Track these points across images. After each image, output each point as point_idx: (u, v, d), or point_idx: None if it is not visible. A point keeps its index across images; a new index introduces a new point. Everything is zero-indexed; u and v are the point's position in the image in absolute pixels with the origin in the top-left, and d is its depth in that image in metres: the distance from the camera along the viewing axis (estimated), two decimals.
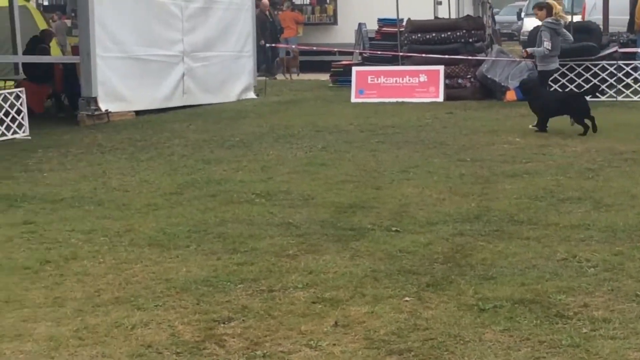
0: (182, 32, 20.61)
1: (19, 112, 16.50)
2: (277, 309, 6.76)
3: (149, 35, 19.68)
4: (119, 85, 18.92)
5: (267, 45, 29.03)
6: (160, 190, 11.36)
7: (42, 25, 23.78)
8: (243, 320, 6.55)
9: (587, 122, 15.54)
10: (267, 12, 30.90)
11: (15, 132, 16.29)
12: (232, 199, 10.73)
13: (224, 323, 6.50)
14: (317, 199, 10.64)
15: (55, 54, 22.35)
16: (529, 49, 18.11)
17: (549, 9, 17.86)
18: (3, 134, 16.03)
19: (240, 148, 14.76)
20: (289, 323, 6.46)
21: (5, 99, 16.42)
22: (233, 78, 22.35)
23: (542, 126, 16.01)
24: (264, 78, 24.98)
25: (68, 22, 33.53)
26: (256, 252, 8.35)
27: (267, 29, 30.35)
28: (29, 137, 16.34)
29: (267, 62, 30.28)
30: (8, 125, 16.18)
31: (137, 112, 19.19)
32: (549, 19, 17.66)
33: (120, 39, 19.02)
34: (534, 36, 18.69)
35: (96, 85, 18.18)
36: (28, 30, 22.72)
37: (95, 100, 18.26)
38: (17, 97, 16.61)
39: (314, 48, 29.84)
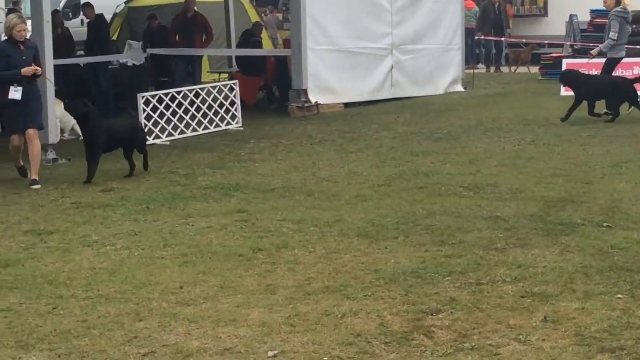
0: (391, 25, 20.71)
1: (232, 103, 17.01)
2: (485, 302, 6.74)
3: (358, 28, 19.88)
4: (328, 78, 19.20)
5: (482, 37, 28.69)
6: (368, 182, 11.49)
7: (254, 18, 24.37)
8: (451, 312, 6.57)
9: None
10: (496, 4, 30.15)
11: (228, 123, 16.79)
12: (439, 191, 10.75)
13: (432, 314, 6.54)
14: (525, 193, 10.52)
15: (267, 47, 22.85)
16: (593, 51, 17.82)
17: None
18: (217, 125, 16.55)
19: (448, 140, 14.75)
20: (497, 316, 6.44)
21: (219, 91, 16.96)
22: (441, 71, 22.29)
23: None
24: (471, 71, 24.80)
25: (279, 16, 34.21)
26: (464, 245, 8.34)
27: (490, 20, 29.87)
28: (242, 128, 16.81)
29: (487, 54, 29.95)
30: (222, 116, 16.70)
31: (346, 104, 19.42)
32: (618, 8, 17.14)
33: (331, 32, 19.31)
34: None
35: (306, 78, 18.52)
36: (241, 23, 23.34)
37: (305, 92, 18.62)
38: (231, 89, 17.13)
39: (523, 40, 29.39)
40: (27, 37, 12.38)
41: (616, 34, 16.95)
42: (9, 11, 22.52)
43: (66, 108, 12.95)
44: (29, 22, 17.08)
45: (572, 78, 16.96)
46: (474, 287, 7.12)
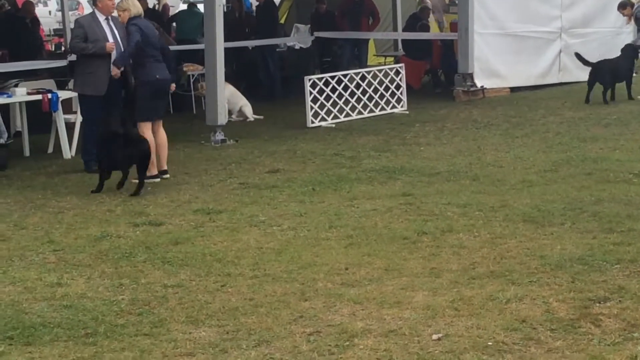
0: (561, 8, 20.28)
1: (398, 87, 17.02)
2: None
3: (526, 12, 19.55)
4: (495, 62, 18.97)
5: None
6: (534, 167, 11.34)
7: (421, 2, 24.28)
8: (619, 300, 6.45)
9: None
10: None
11: (394, 107, 16.82)
12: (608, 178, 10.53)
13: (599, 302, 6.43)
14: None
15: (433, 31, 22.72)
16: None
17: None
18: (382, 109, 16.60)
19: (618, 126, 14.39)
20: None
21: (385, 75, 16.99)
22: (612, 55, 21.72)
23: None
24: None
25: (446, 0, 33.98)
26: (633, 233, 8.16)
27: None
28: (407, 112, 16.81)
29: None
30: (388, 99, 16.74)
31: (512, 89, 19.17)
32: None
33: (498, 16, 19.07)
34: None
35: (473, 62, 18.35)
36: (408, 7, 23.29)
37: (471, 76, 18.44)
38: (397, 73, 17.14)
39: None
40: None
41: None
42: None
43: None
44: (201, 6, 17.52)
45: None
46: None
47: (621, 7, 17.85)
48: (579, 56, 17.80)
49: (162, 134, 11.52)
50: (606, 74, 17.10)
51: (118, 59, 11.62)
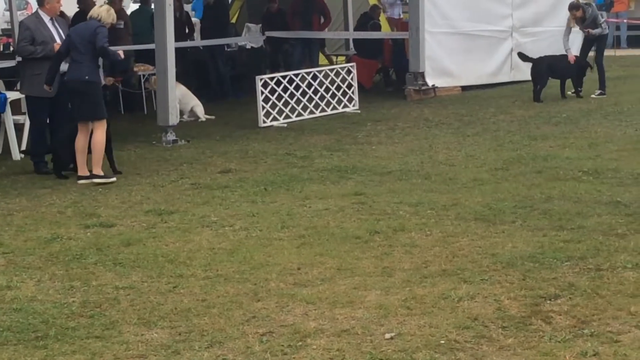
0: (512, 7, 20.43)
1: (349, 86, 17.04)
2: (605, 288, 6.65)
3: (477, 11, 19.67)
4: (446, 61, 19.06)
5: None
6: (485, 166, 11.41)
7: (372, 1, 24.33)
8: (570, 297, 6.51)
9: None
10: None
11: (345, 106, 16.84)
12: (558, 176, 10.61)
13: (550, 300, 6.48)
14: None
15: (385, 30, 22.76)
16: None
17: None
18: (334, 108, 16.61)
19: (567, 124, 14.52)
20: (618, 303, 6.35)
21: (337, 74, 17.01)
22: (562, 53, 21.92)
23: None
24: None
25: None
26: (583, 230, 8.23)
27: None
28: (359, 111, 16.83)
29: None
30: (339, 99, 16.76)
31: (463, 88, 19.27)
32: None
33: (449, 15, 19.16)
34: None
35: (424, 61, 18.41)
36: (359, 6, 23.31)
37: (422, 75, 18.50)
38: (349, 72, 17.16)
39: None
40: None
41: None
42: None
43: None
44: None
45: None
46: (593, 273, 7.03)
47: (574, 8, 17.98)
48: (521, 55, 18.01)
49: (96, 136, 11.27)
50: (546, 69, 17.31)
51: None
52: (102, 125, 11.29)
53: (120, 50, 12.00)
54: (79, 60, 11.20)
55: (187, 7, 24.99)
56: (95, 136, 11.24)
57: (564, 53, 17.72)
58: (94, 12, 11.42)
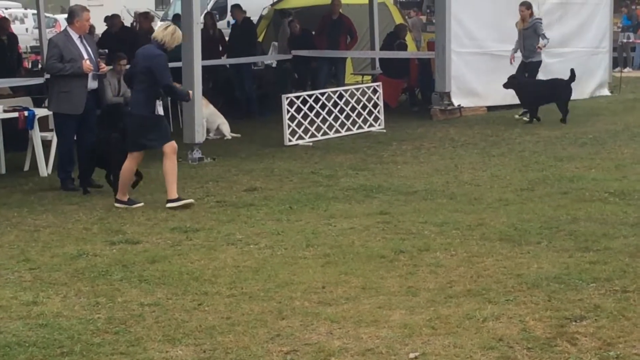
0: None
1: (375, 105, 17.06)
2: (631, 310, 6.62)
3: (503, 31, 19.62)
4: (472, 81, 19.08)
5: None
6: (511, 186, 11.39)
7: (398, 20, 24.39)
8: (595, 319, 6.48)
9: None
10: None
11: (371, 125, 16.85)
12: (584, 197, 10.58)
13: (575, 321, 6.45)
14: None
15: (411, 50, 22.79)
16: None
17: None
18: (360, 127, 16.63)
19: (594, 146, 14.48)
20: None
21: (363, 93, 17.04)
22: (588, 74, 21.84)
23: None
24: (619, 74, 24.28)
25: (423, 19, 34.12)
26: (609, 252, 8.20)
27: None
28: (384, 130, 16.84)
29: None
30: (365, 118, 16.78)
31: (489, 108, 19.25)
32: None
33: (475, 35, 19.18)
34: None
35: (450, 80, 18.43)
36: (386, 26, 23.37)
37: (448, 95, 18.52)
38: (374, 92, 17.19)
39: None
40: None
41: None
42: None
43: None
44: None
45: None
46: (619, 295, 7.00)
47: (525, 7, 17.92)
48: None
49: (169, 160, 10.80)
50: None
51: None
52: (172, 147, 10.84)
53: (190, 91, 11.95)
54: (138, 90, 10.80)
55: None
56: (167, 160, 10.75)
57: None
58: (157, 34, 10.86)
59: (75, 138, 12.10)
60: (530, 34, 17.81)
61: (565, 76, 17.37)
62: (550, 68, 19.60)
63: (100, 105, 12.25)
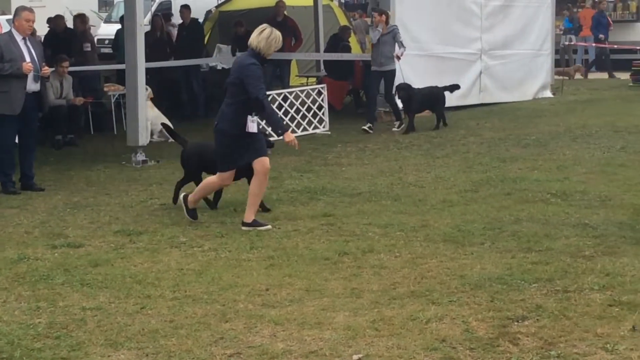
0: (481, 30, 20.60)
1: (320, 107, 17.09)
2: (572, 310, 6.68)
3: (447, 34, 19.81)
4: (416, 83, 19.13)
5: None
6: (455, 187, 11.45)
7: (343, 22, 24.40)
8: (537, 319, 6.52)
9: None
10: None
11: (316, 127, 16.87)
12: (527, 198, 10.66)
13: (517, 321, 6.50)
14: (614, 200, 10.38)
15: (355, 51, 22.82)
16: None
17: None
18: (304, 129, 16.63)
19: (536, 147, 14.61)
20: (585, 325, 6.37)
21: (308, 95, 17.04)
22: (530, 76, 22.09)
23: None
24: (560, 77, 24.54)
25: (368, 21, 34.19)
26: (551, 252, 8.27)
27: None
28: (329, 132, 16.87)
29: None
30: (310, 120, 16.79)
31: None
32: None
33: (420, 37, 19.27)
34: None
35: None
36: (330, 28, 23.38)
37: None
38: (319, 94, 17.21)
39: (615, 46, 28.95)
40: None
41: None
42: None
43: None
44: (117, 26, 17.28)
45: None
46: (560, 295, 7.06)
47: (378, 13, 17.77)
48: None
49: (259, 176, 9.73)
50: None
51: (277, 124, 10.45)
52: (262, 165, 9.72)
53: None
54: (228, 103, 9.93)
55: None
56: (255, 179, 9.76)
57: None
58: (252, 40, 9.80)
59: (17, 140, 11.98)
60: (388, 40, 17.27)
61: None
62: (493, 70, 19.80)
63: (43, 109, 12.10)
